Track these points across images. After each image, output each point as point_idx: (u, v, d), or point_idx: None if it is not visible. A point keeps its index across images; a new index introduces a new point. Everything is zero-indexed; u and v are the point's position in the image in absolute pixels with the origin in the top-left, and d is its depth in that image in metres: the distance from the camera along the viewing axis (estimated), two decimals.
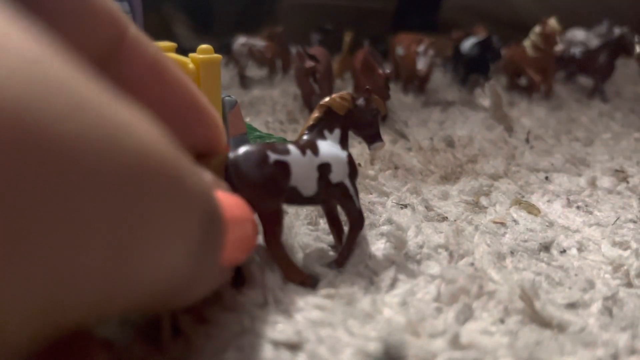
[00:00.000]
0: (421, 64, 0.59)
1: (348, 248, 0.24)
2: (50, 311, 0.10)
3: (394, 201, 0.32)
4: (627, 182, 0.38)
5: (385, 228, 0.27)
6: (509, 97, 0.61)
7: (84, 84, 0.11)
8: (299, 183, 0.22)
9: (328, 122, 0.24)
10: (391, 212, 0.30)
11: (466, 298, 0.21)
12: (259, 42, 0.73)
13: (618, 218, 0.31)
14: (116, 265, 0.11)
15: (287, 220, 0.26)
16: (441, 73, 0.75)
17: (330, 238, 0.26)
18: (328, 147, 0.23)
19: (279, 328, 0.18)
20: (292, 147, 0.22)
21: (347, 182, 0.23)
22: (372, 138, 0.25)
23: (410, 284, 0.22)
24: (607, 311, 0.21)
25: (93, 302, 0.11)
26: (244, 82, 0.71)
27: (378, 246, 0.26)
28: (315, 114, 0.24)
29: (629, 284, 0.24)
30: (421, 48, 0.59)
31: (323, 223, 0.29)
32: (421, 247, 0.26)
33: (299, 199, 0.22)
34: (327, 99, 0.25)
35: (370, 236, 0.27)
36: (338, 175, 0.23)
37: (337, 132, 0.24)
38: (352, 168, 0.24)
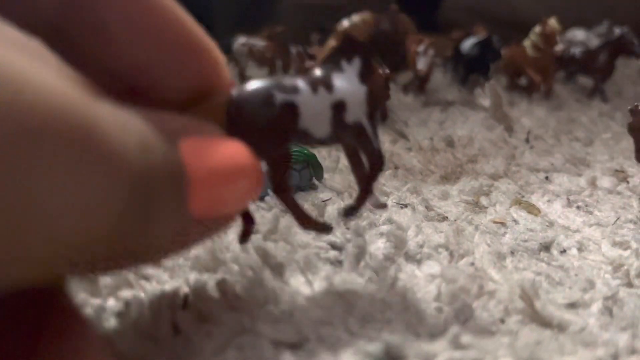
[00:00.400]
0: (421, 64, 0.59)
1: (365, 192, 0.22)
2: None
3: (394, 201, 0.32)
4: (627, 182, 0.38)
5: (385, 227, 0.27)
6: (509, 97, 0.61)
7: None
8: (309, 124, 0.20)
9: (346, 50, 0.21)
10: (391, 211, 0.30)
11: (466, 298, 0.21)
12: (259, 42, 0.73)
13: (618, 218, 0.31)
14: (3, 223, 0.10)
15: (286, 219, 0.26)
16: (441, 73, 0.75)
17: (330, 237, 0.26)
18: (344, 82, 0.20)
19: (279, 327, 0.18)
20: (302, 84, 0.20)
21: (364, 121, 0.21)
22: (397, 64, 0.22)
23: (410, 284, 0.22)
24: (607, 311, 0.21)
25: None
26: (244, 82, 0.71)
27: (378, 245, 0.26)
28: (332, 43, 0.22)
29: (629, 284, 0.24)
30: (421, 48, 0.59)
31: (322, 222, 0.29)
32: (421, 246, 0.26)
33: (310, 141, 0.20)
34: (346, 23, 0.22)
35: (370, 235, 0.27)
36: (354, 114, 0.20)
37: (357, 61, 0.21)
38: (372, 104, 0.21)
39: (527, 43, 0.64)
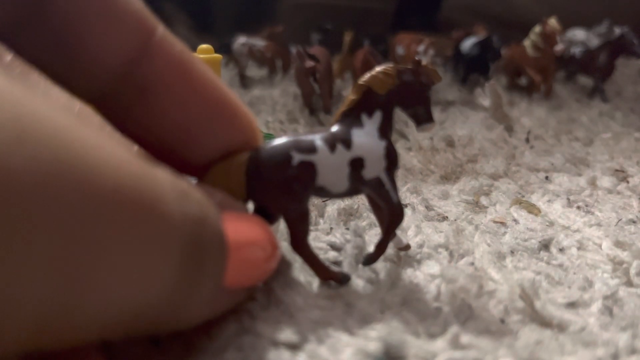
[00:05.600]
0: None
1: (383, 244, 0.22)
2: None
3: None
4: (627, 182, 0.38)
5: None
6: (509, 97, 0.61)
7: (32, 101, 0.10)
8: (326, 182, 0.20)
9: (367, 104, 0.21)
10: None
11: (466, 298, 0.21)
12: (259, 42, 0.73)
13: (620, 220, 0.31)
14: (67, 296, 0.10)
15: None
16: (441, 73, 0.75)
17: (330, 238, 0.26)
18: (363, 138, 0.20)
19: (279, 328, 0.18)
20: (319, 143, 0.20)
21: (383, 176, 0.21)
22: (421, 117, 0.22)
23: (410, 284, 0.22)
24: (607, 310, 0.21)
25: (35, 331, 0.10)
26: (244, 82, 0.71)
27: None
28: (352, 96, 0.21)
29: (629, 283, 0.24)
30: (421, 48, 0.59)
31: (322, 222, 0.29)
32: (421, 246, 0.26)
33: (328, 195, 0.21)
34: (367, 76, 0.21)
35: (370, 235, 0.27)
36: (372, 170, 0.21)
37: (377, 114, 0.21)
38: (391, 159, 0.21)
39: (527, 43, 0.64)
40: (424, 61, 0.21)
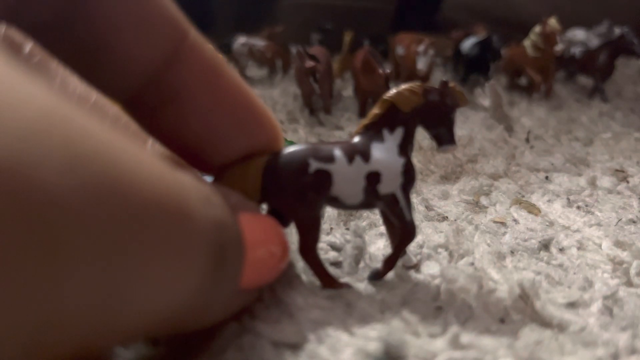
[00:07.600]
0: (421, 64, 0.59)
1: (392, 260, 0.22)
2: (34, 349, 0.10)
3: None
4: (627, 182, 0.38)
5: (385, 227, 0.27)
6: (509, 97, 0.61)
7: (67, 112, 0.10)
8: (341, 193, 0.20)
9: (389, 120, 0.21)
10: None
11: (466, 298, 0.21)
12: (259, 42, 0.73)
13: (620, 220, 0.31)
14: (105, 305, 0.11)
15: None
16: (441, 73, 0.75)
17: (330, 238, 0.26)
18: (382, 153, 0.20)
19: (279, 328, 0.18)
20: (338, 153, 0.20)
21: (399, 193, 0.21)
22: (442, 138, 0.21)
23: (410, 284, 0.22)
24: (608, 310, 0.21)
25: (81, 338, 0.11)
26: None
27: (378, 246, 0.26)
28: (376, 110, 0.21)
29: (629, 283, 0.24)
30: (421, 48, 0.59)
31: (322, 222, 0.29)
32: (421, 246, 0.26)
33: (341, 206, 0.21)
34: (393, 91, 0.21)
35: (370, 236, 0.27)
36: (388, 186, 0.21)
37: (399, 131, 0.21)
38: (408, 177, 0.21)
39: (527, 43, 0.64)
40: (452, 83, 0.21)
